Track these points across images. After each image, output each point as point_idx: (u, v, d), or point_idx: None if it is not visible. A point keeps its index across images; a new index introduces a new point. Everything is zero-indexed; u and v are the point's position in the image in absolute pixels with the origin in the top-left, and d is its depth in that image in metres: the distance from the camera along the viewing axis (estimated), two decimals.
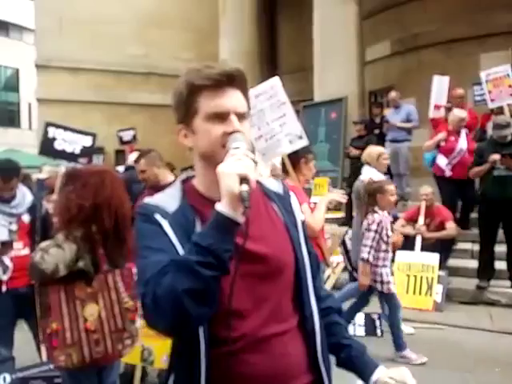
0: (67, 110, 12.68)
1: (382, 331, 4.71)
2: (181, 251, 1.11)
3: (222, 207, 1.05)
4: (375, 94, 11.24)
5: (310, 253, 1.29)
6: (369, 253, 4.10)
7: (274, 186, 1.34)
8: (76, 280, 2.19)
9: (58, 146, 5.59)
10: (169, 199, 1.21)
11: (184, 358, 1.16)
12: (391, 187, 4.31)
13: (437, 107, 7.44)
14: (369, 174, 4.84)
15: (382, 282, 4.16)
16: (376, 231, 4.11)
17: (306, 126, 9.48)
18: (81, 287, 2.20)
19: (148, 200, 1.23)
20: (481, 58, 8.89)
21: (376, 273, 4.16)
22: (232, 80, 1.19)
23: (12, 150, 17.18)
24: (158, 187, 3.52)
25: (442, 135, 6.52)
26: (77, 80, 13.74)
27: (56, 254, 2.14)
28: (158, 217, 1.16)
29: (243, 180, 1.04)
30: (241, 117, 1.19)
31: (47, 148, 5.45)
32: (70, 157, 5.51)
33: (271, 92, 3.97)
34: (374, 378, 1.29)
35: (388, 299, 4.26)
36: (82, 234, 2.23)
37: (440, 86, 7.49)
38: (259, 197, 1.26)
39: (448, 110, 7.17)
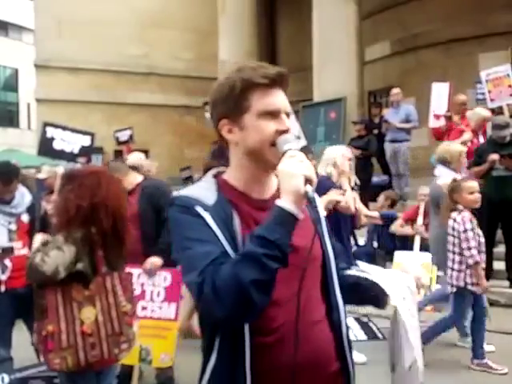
0: (67, 111, 12.67)
1: (382, 334, 4.70)
2: (224, 243, 1.15)
3: (286, 204, 1.11)
4: (374, 94, 11.24)
5: (333, 247, 1.36)
6: (477, 254, 3.82)
7: None
8: (74, 282, 2.17)
9: (56, 145, 5.58)
10: (206, 192, 1.23)
11: (227, 348, 1.19)
12: (469, 184, 4.03)
13: (436, 117, 7.16)
14: (445, 175, 4.54)
15: (473, 284, 3.87)
16: (472, 229, 3.87)
17: (306, 125, 9.50)
18: (78, 289, 2.18)
19: (184, 192, 1.25)
20: (480, 58, 8.90)
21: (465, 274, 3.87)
22: (283, 81, 1.26)
23: (11, 150, 17.17)
24: (131, 191, 3.49)
25: (468, 136, 6.21)
26: (76, 80, 13.73)
27: (56, 256, 2.12)
28: (199, 209, 1.18)
29: (307, 181, 1.12)
30: (288, 116, 1.26)
31: (46, 148, 5.44)
32: (69, 156, 5.50)
33: None
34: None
35: (478, 301, 3.97)
36: (82, 235, 2.22)
37: (439, 94, 7.24)
38: None
39: (448, 118, 6.91)
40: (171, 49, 14.49)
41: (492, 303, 5.42)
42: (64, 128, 5.65)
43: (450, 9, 9.24)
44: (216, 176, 1.31)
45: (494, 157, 5.30)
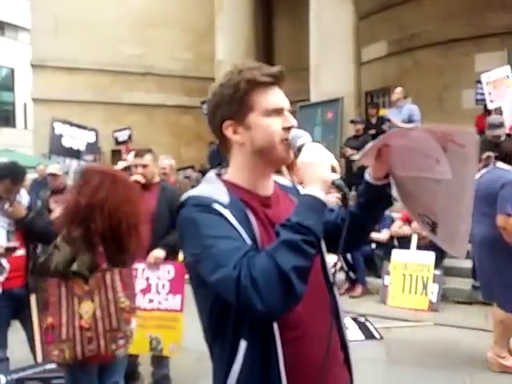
0: (63, 110, 12.64)
1: (379, 333, 4.70)
2: (247, 240, 1.14)
3: (315, 192, 1.14)
4: (371, 94, 11.26)
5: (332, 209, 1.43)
6: None
7: (282, 180, 1.44)
8: (76, 277, 2.21)
9: (65, 143, 5.60)
10: (217, 192, 1.22)
11: (257, 348, 1.17)
12: None
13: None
14: None
15: None
16: None
17: (303, 125, 9.47)
18: (79, 284, 2.20)
19: (197, 192, 1.22)
20: (476, 59, 8.93)
21: None
22: (283, 79, 1.29)
23: (7, 150, 17.09)
24: (146, 186, 3.55)
25: None
26: (73, 80, 13.70)
27: (55, 255, 2.21)
28: (218, 207, 1.16)
29: (332, 169, 1.16)
30: (289, 113, 1.28)
31: (56, 146, 5.44)
32: (77, 154, 5.50)
33: None
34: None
35: None
36: (81, 233, 2.24)
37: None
38: (278, 189, 1.37)
39: None
40: (168, 49, 14.49)
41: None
42: (71, 124, 5.66)
43: (446, 9, 9.26)
44: (218, 177, 1.31)
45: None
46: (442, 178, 1.27)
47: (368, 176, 1.39)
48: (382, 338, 4.64)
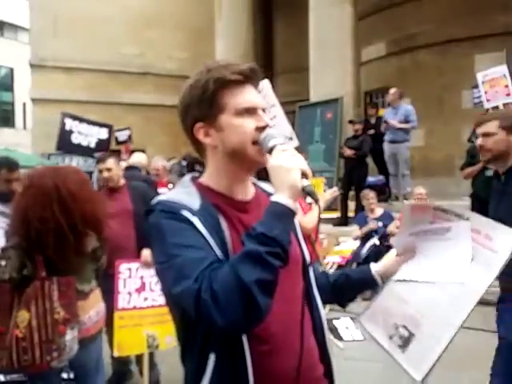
0: (62, 110, 12.61)
1: None
2: (215, 249, 1.09)
3: (283, 199, 1.06)
4: (370, 94, 11.27)
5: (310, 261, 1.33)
6: None
7: (266, 186, 1.35)
8: (25, 285, 2.13)
9: (74, 139, 5.51)
10: (188, 197, 1.16)
11: (226, 362, 1.12)
12: None
13: None
14: None
15: None
16: None
17: (302, 126, 9.53)
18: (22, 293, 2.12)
19: (167, 197, 1.17)
20: (476, 59, 8.93)
21: None
22: (256, 77, 1.22)
23: (7, 150, 17.07)
24: (115, 189, 3.69)
25: None
26: (71, 80, 13.70)
27: (7, 265, 2.15)
28: (186, 213, 1.11)
29: (303, 175, 1.08)
30: (264, 112, 1.21)
31: (65, 142, 5.36)
32: (86, 151, 5.42)
33: (261, 94, 3.93)
34: (373, 268, 1.41)
35: None
36: (17, 241, 2.20)
37: None
38: (262, 194, 1.29)
39: None
40: (166, 49, 14.49)
41: (487, 302, 5.44)
42: (81, 120, 5.57)
43: (445, 10, 9.27)
44: (193, 180, 1.25)
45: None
46: (455, 281, 1.24)
47: (376, 269, 1.40)
48: None
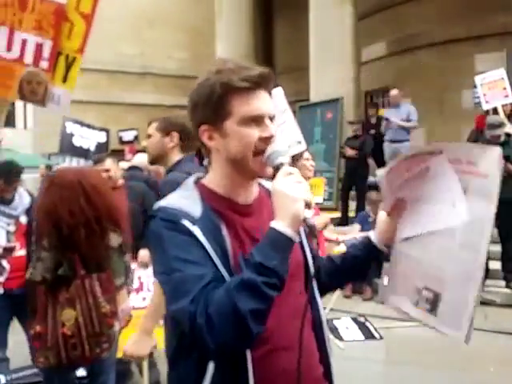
0: None
1: (379, 333, 4.71)
2: (215, 259, 1.08)
3: (283, 228, 1.05)
4: (371, 94, 11.27)
5: (313, 256, 1.32)
6: None
7: (270, 185, 1.35)
8: (60, 285, 2.21)
9: (75, 142, 5.64)
10: (189, 202, 1.14)
11: (227, 365, 1.12)
12: None
13: None
14: None
15: None
16: None
17: (302, 126, 9.49)
18: (62, 292, 2.21)
19: (167, 203, 1.16)
20: (476, 59, 8.94)
21: None
22: (267, 82, 1.17)
23: (7, 150, 17.09)
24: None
25: None
26: None
27: (39, 267, 2.22)
28: (187, 223, 1.09)
29: (306, 205, 1.06)
30: (272, 119, 1.18)
31: (67, 144, 5.48)
32: (86, 154, 5.55)
33: (273, 102, 3.95)
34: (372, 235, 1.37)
35: None
36: (54, 241, 2.23)
37: None
38: (264, 194, 1.28)
39: None
40: (166, 48, 14.50)
41: (488, 303, 5.45)
42: (82, 124, 5.69)
43: (446, 10, 9.27)
44: (196, 182, 1.24)
45: None
46: (458, 222, 1.15)
47: (374, 237, 1.35)
48: (381, 338, 4.64)
